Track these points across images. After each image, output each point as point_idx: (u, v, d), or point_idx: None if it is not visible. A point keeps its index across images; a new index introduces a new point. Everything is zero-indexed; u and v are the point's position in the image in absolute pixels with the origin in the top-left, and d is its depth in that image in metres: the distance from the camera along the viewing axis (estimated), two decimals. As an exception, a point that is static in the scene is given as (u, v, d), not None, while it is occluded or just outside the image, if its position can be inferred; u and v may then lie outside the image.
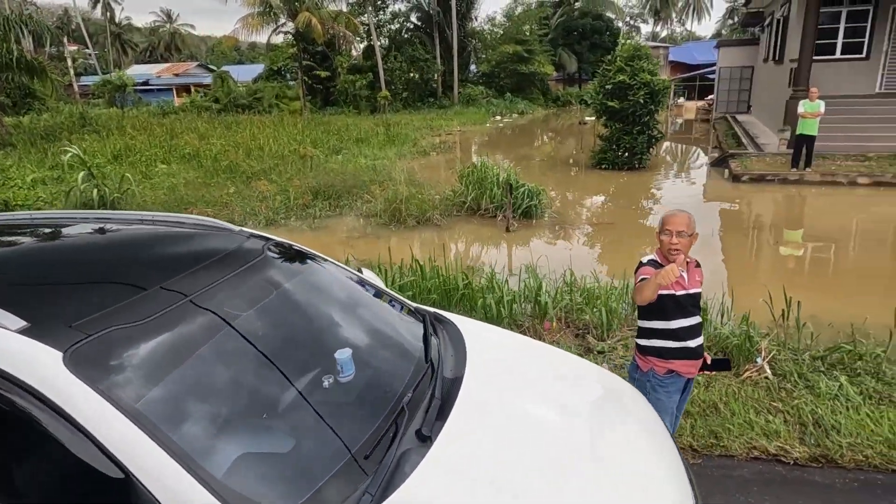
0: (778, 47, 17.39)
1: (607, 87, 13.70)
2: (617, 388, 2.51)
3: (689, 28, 71.20)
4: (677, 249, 2.68)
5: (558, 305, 5.31)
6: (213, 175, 13.31)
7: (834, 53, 14.35)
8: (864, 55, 14.27)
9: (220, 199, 10.79)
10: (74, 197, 9.96)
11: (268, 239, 2.65)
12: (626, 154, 14.03)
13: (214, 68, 51.08)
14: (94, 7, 56.66)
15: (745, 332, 4.51)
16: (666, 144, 19.31)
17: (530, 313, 5.38)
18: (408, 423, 1.94)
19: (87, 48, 51.85)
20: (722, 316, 5.23)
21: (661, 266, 2.68)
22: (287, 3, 27.39)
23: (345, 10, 31.67)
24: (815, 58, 13.41)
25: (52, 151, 14.90)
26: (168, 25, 66.89)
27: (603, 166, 14.32)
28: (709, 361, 3.00)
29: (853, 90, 14.13)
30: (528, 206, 9.60)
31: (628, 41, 14.91)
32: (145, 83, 43.78)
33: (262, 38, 29.69)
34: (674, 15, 68.39)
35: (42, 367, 1.56)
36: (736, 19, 57.33)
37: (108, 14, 56.73)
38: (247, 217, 9.71)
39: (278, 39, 32.03)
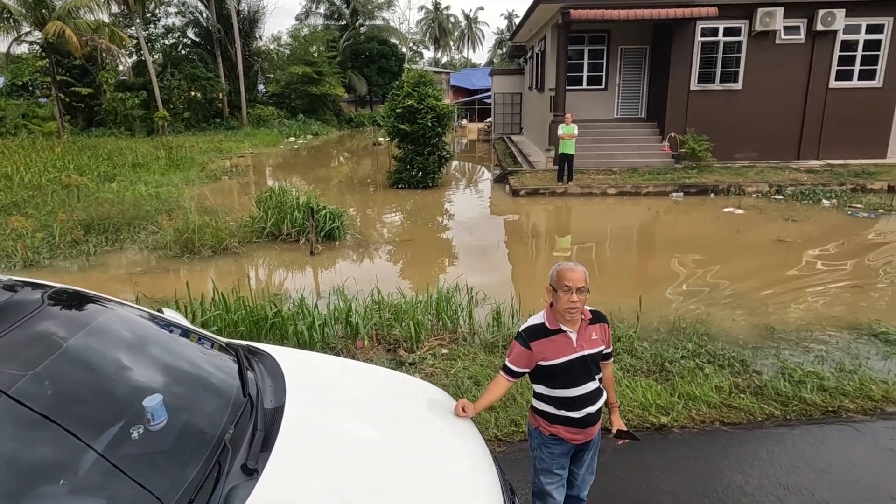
0: (539, 78, 19.98)
1: (397, 110, 14.43)
2: (431, 396, 2.75)
3: (465, 55, 77.91)
4: (576, 308, 2.44)
5: (368, 324, 5.49)
6: (-59, 212, 10.99)
7: (582, 84, 16.98)
8: (603, 87, 17.14)
9: (-43, 241, 8.96)
10: None
11: (45, 286, 2.39)
12: (420, 174, 14.90)
13: (-69, 81, 42.02)
14: None
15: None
16: (455, 163, 20.85)
17: (342, 334, 5.49)
18: (232, 460, 1.93)
19: None
20: (512, 318, 5.86)
21: (549, 331, 2.51)
22: (31, 10, 23.70)
23: (107, 20, 28.39)
24: (568, 88, 15.74)
25: None
26: None
27: (399, 186, 15.00)
28: (613, 432, 2.82)
29: (598, 115, 16.89)
30: (330, 228, 9.67)
31: (413, 68, 15.91)
32: None
33: (-1, 47, 25.16)
34: (451, 43, 74.39)
35: None
36: (504, 49, 64.26)
37: None
38: (-3, 260, 8.23)
39: (22, 50, 27.45)
